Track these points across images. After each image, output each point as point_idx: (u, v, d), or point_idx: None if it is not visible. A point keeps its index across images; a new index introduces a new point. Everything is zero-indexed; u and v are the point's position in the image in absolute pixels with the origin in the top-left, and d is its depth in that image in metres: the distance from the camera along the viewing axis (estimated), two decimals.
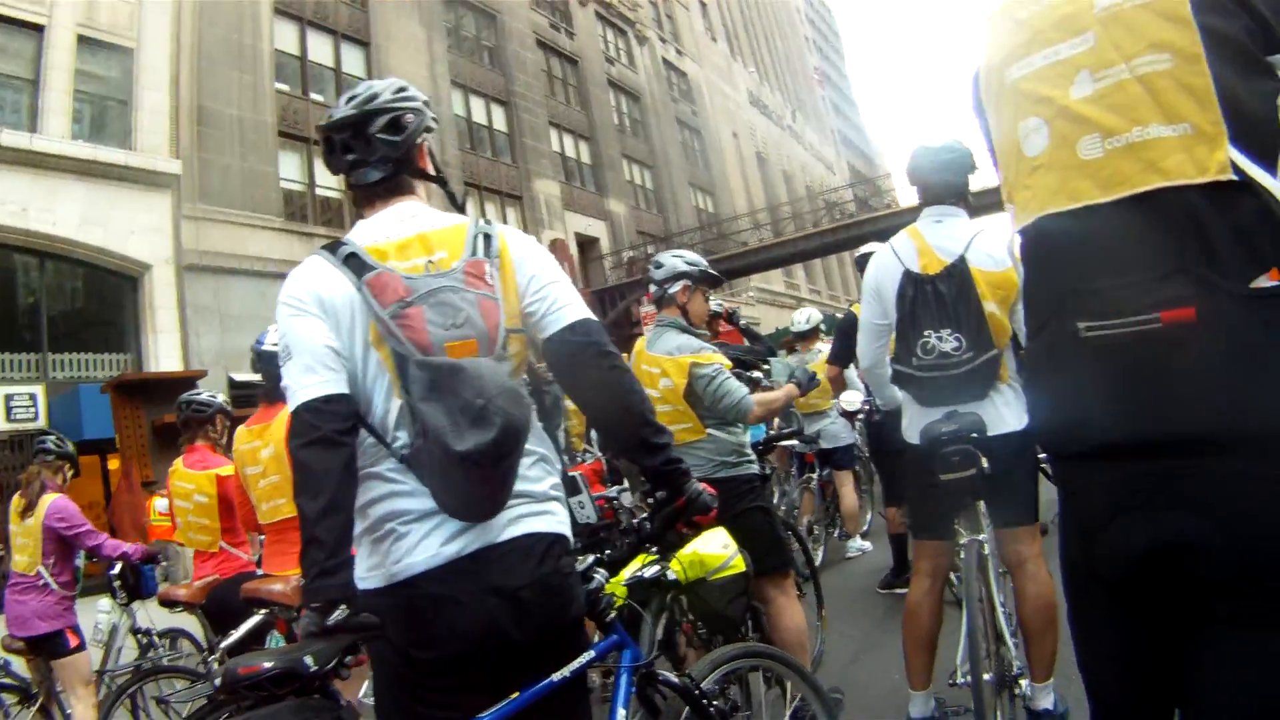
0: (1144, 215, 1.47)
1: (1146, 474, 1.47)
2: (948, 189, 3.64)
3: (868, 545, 7.95)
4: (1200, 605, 1.49)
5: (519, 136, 27.52)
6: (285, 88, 20.12)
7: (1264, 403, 1.38)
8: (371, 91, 2.17)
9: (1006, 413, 3.39)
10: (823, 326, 9.46)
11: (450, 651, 1.86)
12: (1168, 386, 1.43)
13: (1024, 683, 3.34)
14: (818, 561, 6.62)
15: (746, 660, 2.80)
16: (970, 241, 3.44)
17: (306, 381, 1.94)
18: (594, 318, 2.13)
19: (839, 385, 6.48)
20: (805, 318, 8.24)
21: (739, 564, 2.96)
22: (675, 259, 4.25)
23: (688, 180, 39.51)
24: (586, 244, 30.89)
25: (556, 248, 24.54)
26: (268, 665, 1.62)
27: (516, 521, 1.94)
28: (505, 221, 25.62)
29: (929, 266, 3.46)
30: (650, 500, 2.72)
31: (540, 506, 2.00)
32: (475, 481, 1.86)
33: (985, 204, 5.86)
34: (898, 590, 6.18)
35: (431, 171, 2.27)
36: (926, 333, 3.40)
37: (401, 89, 2.18)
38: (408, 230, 2.07)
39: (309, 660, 1.64)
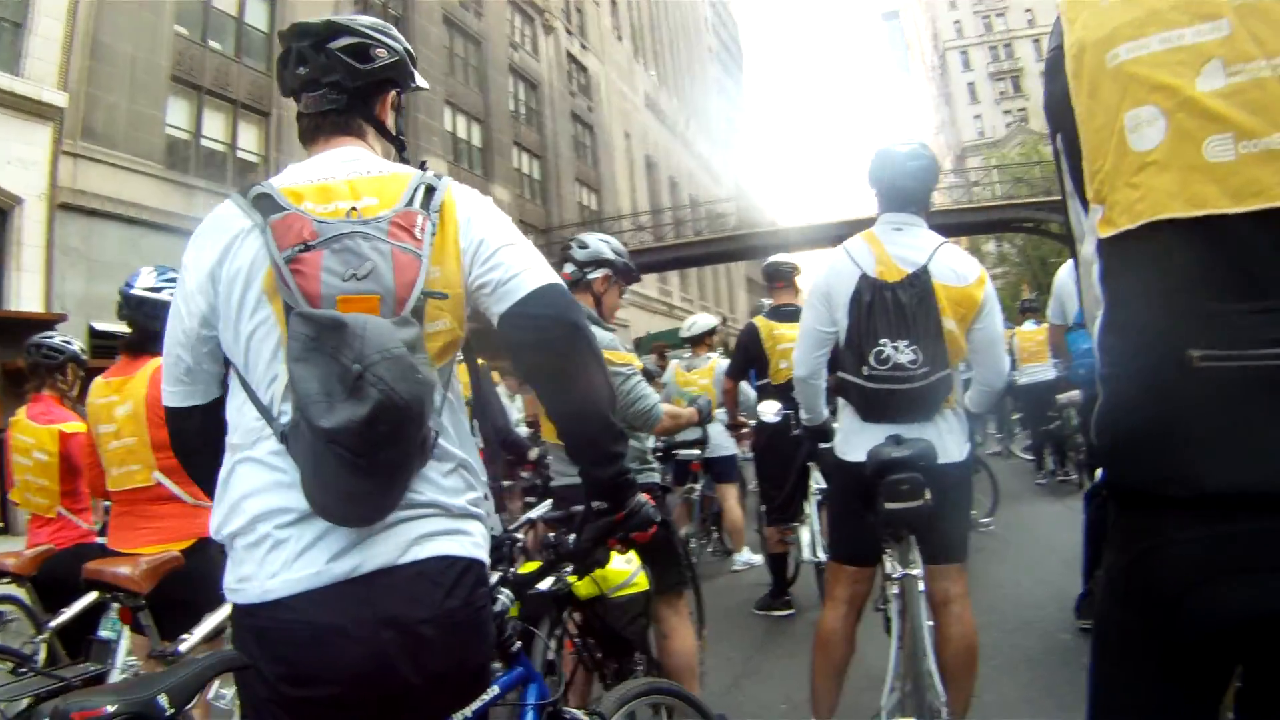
0: None
1: (1261, 531, 1.34)
2: (912, 197, 3.60)
3: (756, 559, 7.83)
4: (1271, 678, 1.44)
5: (412, 110, 27.13)
6: (184, 31, 19.75)
7: None
8: (350, 16, 2.07)
9: (950, 441, 3.38)
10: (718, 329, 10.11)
11: (328, 692, 1.63)
12: None
13: None
14: None
15: (653, 697, 2.69)
16: (934, 253, 3.43)
17: (167, 386, 1.95)
18: (560, 283, 1.89)
19: (733, 398, 6.81)
20: (695, 323, 8.33)
21: (641, 582, 2.92)
22: (602, 244, 4.06)
23: (575, 175, 40.09)
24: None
25: None
26: (110, 710, 1.37)
27: (424, 541, 1.71)
28: None
29: (887, 274, 3.40)
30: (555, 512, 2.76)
31: (454, 524, 1.76)
32: (347, 472, 1.58)
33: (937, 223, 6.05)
34: (775, 613, 6.33)
35: (390, 127, 2.12)
36: (882, 341, 3.31)
37: (385, 29, 2.09)
38: (337, 174, 1.87)
39: (164, 701, 1.42)
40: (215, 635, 3.53)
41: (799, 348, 3.74)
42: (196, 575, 3.68)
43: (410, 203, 1.81)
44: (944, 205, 46.69)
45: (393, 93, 2.12)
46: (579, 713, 2.29)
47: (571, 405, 1.92)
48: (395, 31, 2.10)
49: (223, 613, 3.48)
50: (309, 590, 1.63)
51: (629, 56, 52.25)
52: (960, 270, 3.44)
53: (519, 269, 1.85)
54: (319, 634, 1.60)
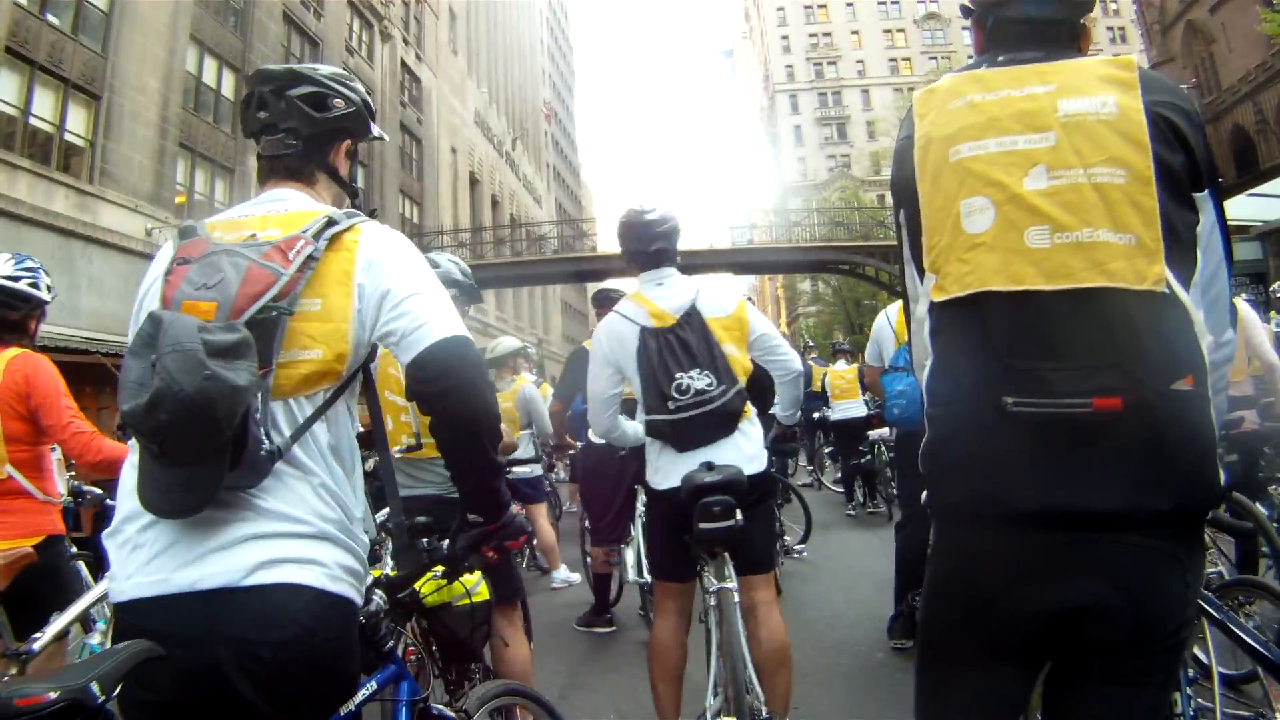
0: (1083, 308, 1.66)
1: (1058, 542, 1.65)
2: (666, 255, 3.95)
3: (574, 577, 8.16)
4: (1077, 665, 1.73)
5: (241, 106, 27.03)
6: (23, 1, 19.00)
7: (1172, 487, 1.62)
8: (313, 65, 2.16)
9: (751, 453, 3.69)
10: (532, 351, 10.20)
11: (167, 698, 1.67)
12: (1090, 465, 1.63)
13: None
14: None
15: (509, 698, 2.77)
16: (696, 293, 3.80)
17: None
18: (463, 335, 1.90)
19: (561, 420, 7.05)
20: (502, 345, 8.03)
21: (483, 592, 2.97)
22: (451, 264, 4.17)
23: (399, 186, 40.06)
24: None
25: None
26: (53, 696, 1.43)
27: (272, 566, 1.72)
28: (212, 193, 25.69)
29: (662, 322, 3.73)
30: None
31: (307, 549, 1.77)
32: (151, 459, 1.70)
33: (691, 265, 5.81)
34: (596, 630, 6.52)
35: (344, 175, 2.21)
36: (678, 375, 3.62)
37: (347, 79, 2.19)
38: (257, 211, 2.00)
39: (96, 689, 1.47)
40: (62, 635, 3.57)
41: (592, 412, 4.04)
42: (48, 572, 3.80)
43: (304, 232, 1.88)
44: (764, 243, 48.54)
45: (347, 141, 2.22)
46: (447, 709, 2.38)
47: (462, 451, 1.95)
48: (356, 84, 2.22)
49: (72, 612, 3.56)
50: (155, 596, 1.69)
51: (463, 72, 52.62)
52: (721, 302, 3.83)
53: (423, 319, 1.88)
54: (159, 641, 1.60)
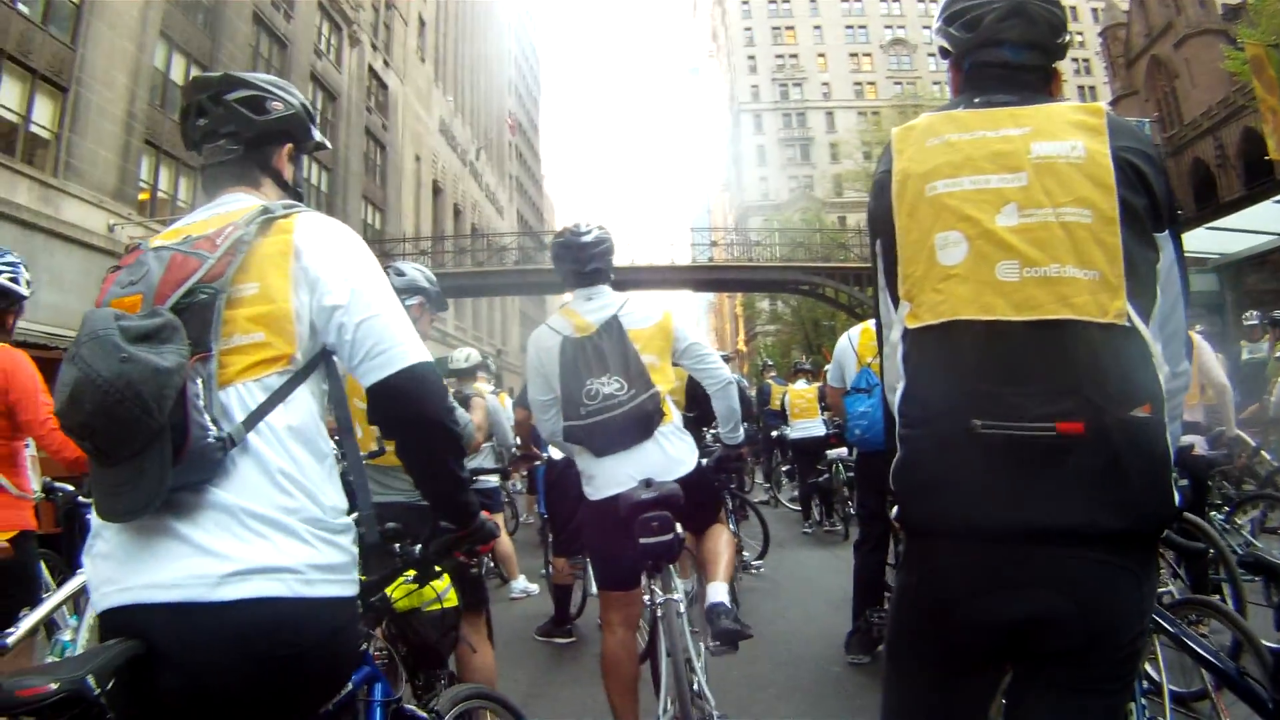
0: (1049, 338, 1.76)
1: (1020, 556, 1.74)
2: (602, 275, 4.07)
3: (533, 588, 8.22)
4: (1037, 673, 1.82)
5: None
6: None
7: (1128, 507, 1.72)
8: (252, 73, 2.19)
9: (675, 453, 3.82)
10: (490, 363, 10.11)
11: (151, 699, 1.65)
12: (1052, 485, 1.72)
13: None
14: None
15: (479, 701, 2.78)
16: (622, 305, 3.93)
17: None
18: (426, 363, 1.94)
19: (526, 430, 7.11)
20: (465, 355, 8.08)
21: (452, 598, 2.99)
22: (417, 272, 4.24)
23: (362, 192, 39.97)
24: None
25: None
26: (54, 687, 1.46)
27: (238, 580, 1.66)
28: (175, 191, 25.64)
29: (584, 331, 3.86)
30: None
31: (271, 553, 1.71)
32: (93, 461, 1.71)
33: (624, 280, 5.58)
34: (556, 640, 6.57)
35: (288, 179, 2.21)
36: (589, 381, 3.71)
37: (284, 84, 2.21)
38: (203, 216, 2.00)
39: (91, 682, 1.49)
40: (34, 632, 3.56)
41: (535, 416, 4.17)
42: (18, 568, 3.83)
43: (236, 221, 1.88)
44: (724, 261, 48.46)
45: (289, 145, 2.23)
46: (419, 710, 2.37)
47: (429, 473, 2.04)
48: (293, 88, 2.23)
49: (46, 608, 3.61)
50: (124, 606, 1.67)
51: (429, 79, 52.76)
52: (646, 314, 3.96)
53: (387, 343, 1.89)
54: (140, 649, 1.62)
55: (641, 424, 3.74)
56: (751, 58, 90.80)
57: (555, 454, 6.03)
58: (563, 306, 4.10)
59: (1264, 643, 2.88)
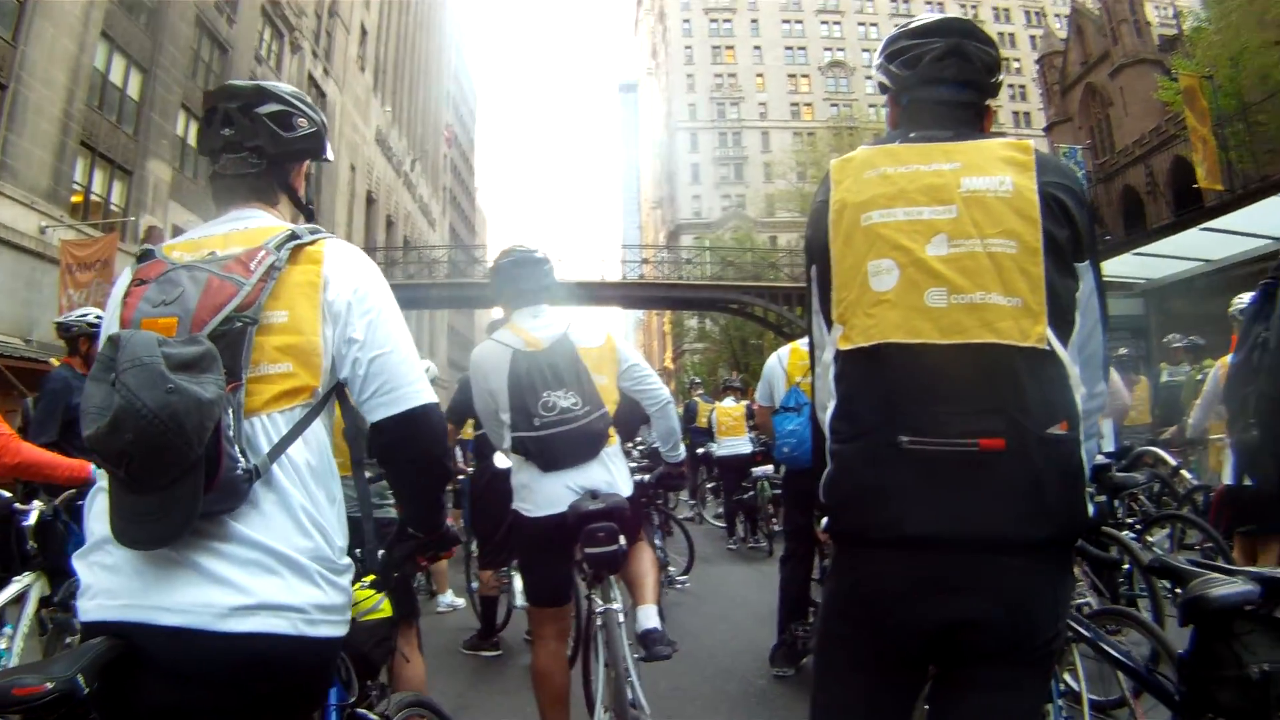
0: (973, 361, 1.85)
1: (945, 563, 1.82)
2: (544, 293, 4.14)
3: (459, 601, 8.21)
4: (960, 674, 1.92)
5: (148, 109, 26.61)
6: None
7: (1046, 517, 1.83)
8: (275, 83, 2.16)
9: (619, 478, 3.93)
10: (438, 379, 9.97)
11: (137, 710, 1.68)
12: (975, 497, 1.81)
13: None
14: None
15: (419, 709, 2.85)
16: (569, 325, 4.01)
17: None
18: (434, 403, 2.02)
19: (451, 441, 6.94)
20: (424, 368, 8.26)
21: (386, 608, 2.97)
22: None
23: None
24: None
25: (151, 235, 24.01)
26: (50, 686, 1.48)
27: (245, 615, 1.69)
28: (108, 194, 25.17)
29: (535, 347, 3.92)
30: None
31: (282, 590, 1.74)
32: (120, 488, 1.68)
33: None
34: (483, 653, 6.59)
35: (301, 195, 2.22)
36: (545, 394, 3.77)
37: (307, 99, 2.19)
38: (218, 231, 2.00)
39: (81, 681, 1.51)
40: None
41: (490, 434, 4.23)
42: None
43: (265, 244, 1.89)
44: (655, 278, 48.76)
45: (307, 162, 2.24)
46: (370, 713, 2.41)
47: (419, 497, 2.17)
48: (312, 103, 2.21)
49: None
50: (121, 621, 1.67)
51: (368, 89, 52.72)
52: (592, 334, 4.08)
53: (402, 381, 1.97)
54: (137, 665, 1.65)
55: (592, 442, 3.84)
56: (690, 76, 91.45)
57: (502, 464, 5.96)
58: (510, 323, 4.13)
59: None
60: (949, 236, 1.92)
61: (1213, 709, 2.03)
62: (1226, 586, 2.01)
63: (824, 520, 2.10)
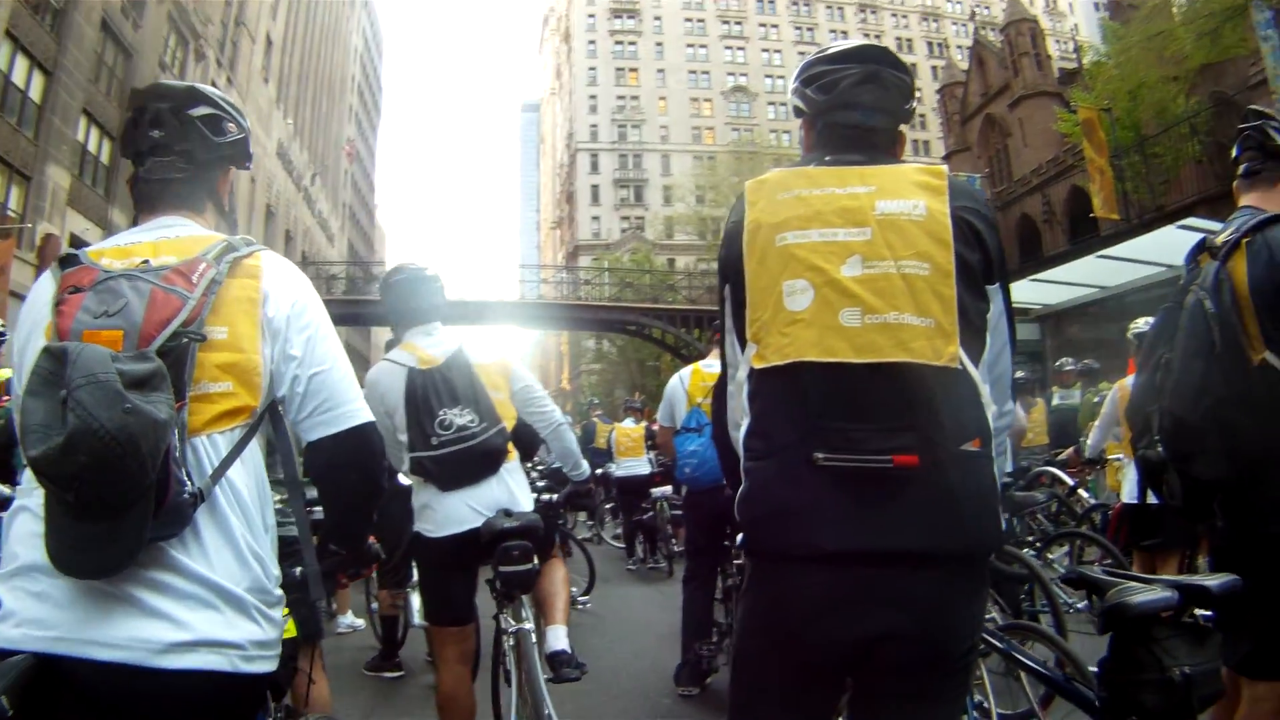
0: (887, 379, 1.86)
1: (862, 578, 1.83)
2: (436, 310, 4.15)
3: (359, 622, 8.05)
4: (877, 686, 1.95)
5: (49, 113, 25.90)
6: None
7: (961, 532, 1.86)
8: (203, 85, 2.09)
9: (520, 495, 3.94)
10: None
11: None
12: (890, 512, 1.84)
13: None
14: None
15: None
16: (462, 342, 4.01)
17: None
18: (371, 422, 2.01)
19: None
20: None
21: (291, 629, 2.90)
22: None
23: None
24: (81, 248, 28.87)
25: (49, 244, 23.43)
26: None
27: (183, 651, 1.62)
28: (5, 200, 24.41)
29: (429, 364, 3.91)
30: None
31: (221, 627, 1.68)
32: (64, 513, 1.56)
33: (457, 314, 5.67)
34: (385, 674, 6.50)
35: (225, 204, 2.13)
36: (441, 411, 3.77)
37: (235, 105, 2.12)
38: (145, 239, 1.92)
39: (4, 703, 1.44)
40: None
41: (390, 456, 3.93)
42: None
43: (203, 256, 1.82)
44: (553, 298, 48.71)
45: (232, 169, 2.17)
46: None
47: (351, 515, 2.12)
48: (239, 108, 2.14)
49: None
50: (50, 654, 1.58)
51: (270, 101, 51.92)
52: (486, 351, 4.09)
53: (340, 400, 1.95)
54: (61, 686, 1.58)
55: (490, 458, 3.85)
56: (593, 97, 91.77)
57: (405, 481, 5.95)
58: (404, 342, 4.11)
59: (1088, 666, 3.06)
60: (863, 258, 1.94)
61: (1135, 712, 2.04)
62: (1146, 594, 2.02)
63: (739, 537, 2.10)
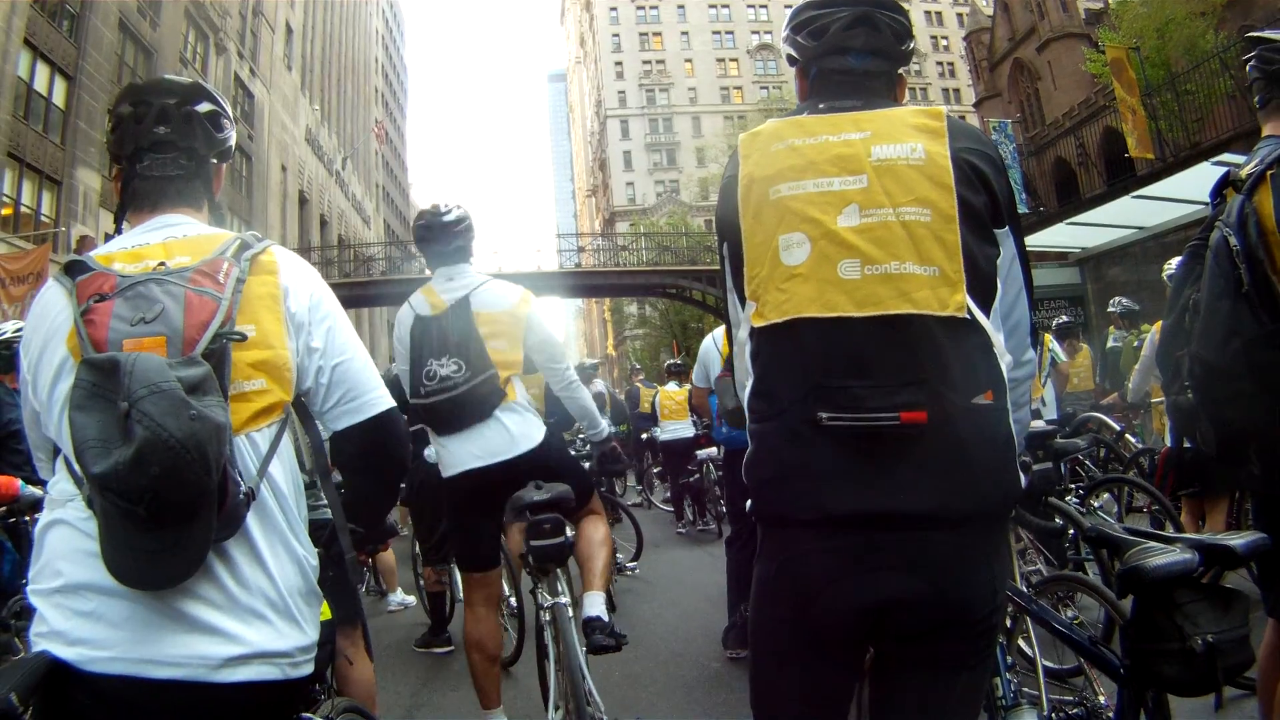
0: (891, 333, 1.80)
1: (872, 541, 1.79)
2: (461, 253, 4.20)
3: (410, 600, 8.01)
4: (896, 653, 1.91)
5: (74, 117, 26.22)
6: None
7: (974, 490, 1.80)
8: (205, 83, 2.09)
9: (519, 430, 3.96)
10: None
11: None
12: (899, 472, 1.78)
13: None
14: None
15: (351, 715, 2.77)
16: (476, 285, 4.05)
17: (36, 461, 1.96)
18: (395, 408, 2.03)
19: None
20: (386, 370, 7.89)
21: (325, 611, 2.83)
22: None
23: (228, 204, 38.64)
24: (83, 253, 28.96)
25: (84, 246, 23.76)
26: None
27: (239, 665, 1.64)
28: (38, 205, 24.70)
29: (436, 310, 4.03)
30: None
31: (274, 638, 1.70)
32: (131, 526, 1.53)
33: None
34: (435, 650, 6.48)
35: (215, 201, 2.12)
36: (430, 362, 3.89)
37: (226, 101, 2.12)
38: (152, 240, 1.89)
39: (15, 700, 1.42)
40: None
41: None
42: None
43: (221, 254, 1.81)
44: (590, 267, 48.85)
45: (224, 166, 2.15)
46: (314, 716, 2.32)
47: (375, 497, 2.19)
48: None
49: None
50: (109, 674, 1.56)
51: (295, 88, 52.10)
52: (501, 296, 4.08)
53: (365, 388, 1.97)
54: (101, 705, 1.57)
55: (477, 406, 3.90)
56: (619, 63, 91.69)
57: (431, 458, 5.67)
58: (425, 286, 4.20)
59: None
60: (860, 207, 1.87)
61: (1156, 683, 1.99)
62: (1164, 556, 1.95)
63: (749, 501, 2.06)
